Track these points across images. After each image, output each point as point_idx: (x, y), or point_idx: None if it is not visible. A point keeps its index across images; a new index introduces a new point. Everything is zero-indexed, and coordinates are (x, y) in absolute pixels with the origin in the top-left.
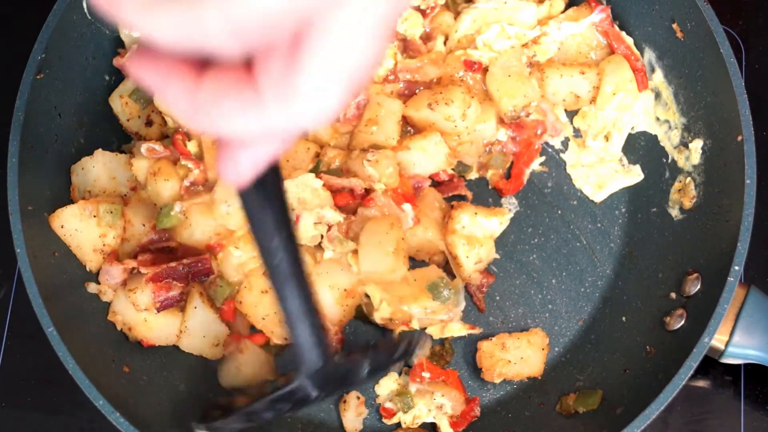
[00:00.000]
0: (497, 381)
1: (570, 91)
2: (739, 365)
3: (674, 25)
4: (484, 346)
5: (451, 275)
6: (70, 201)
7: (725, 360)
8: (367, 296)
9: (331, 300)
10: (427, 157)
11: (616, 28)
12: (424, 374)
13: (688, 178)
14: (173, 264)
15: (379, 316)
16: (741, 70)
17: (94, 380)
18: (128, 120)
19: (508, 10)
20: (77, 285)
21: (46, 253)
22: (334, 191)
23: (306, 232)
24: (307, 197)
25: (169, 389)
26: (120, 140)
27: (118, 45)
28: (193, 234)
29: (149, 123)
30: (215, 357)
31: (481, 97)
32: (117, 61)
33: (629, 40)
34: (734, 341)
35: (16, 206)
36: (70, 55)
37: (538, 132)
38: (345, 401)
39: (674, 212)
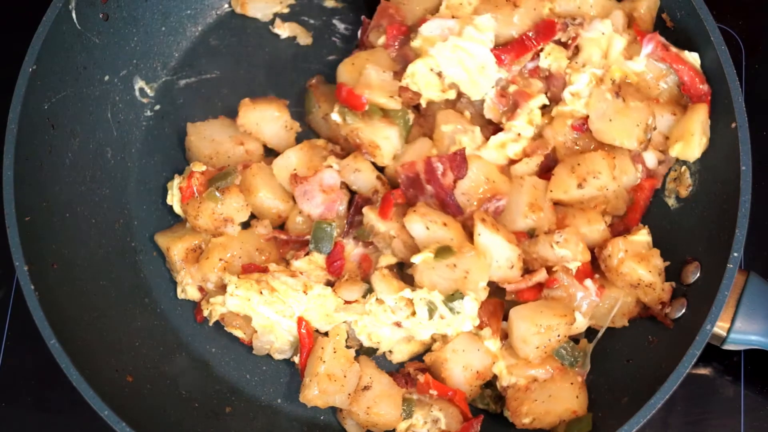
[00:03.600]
0: (527, 422)
1: (659, 131)
2: (738, 352)
3: (664, 15)
4: (509, 391)
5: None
6: (67, 211)
7: (727, 347)
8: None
9: (462, 379)
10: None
11: (674, 49)
12: (431, 391)
13: (683, 167)
14: None
15: (499, 385)
16: (741, 70)
17: (98, 391)
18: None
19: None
20: (77, 295)
21: (45, 265)
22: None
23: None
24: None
25: (172, 396)
26: (113, 150)
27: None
28: None
29: None
30: None
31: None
32: None
33: (693, 57)
34: (736, 327)
35: (13, 219)
36: (61, 65)
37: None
38: (341, 410)
39: (671, 201)
